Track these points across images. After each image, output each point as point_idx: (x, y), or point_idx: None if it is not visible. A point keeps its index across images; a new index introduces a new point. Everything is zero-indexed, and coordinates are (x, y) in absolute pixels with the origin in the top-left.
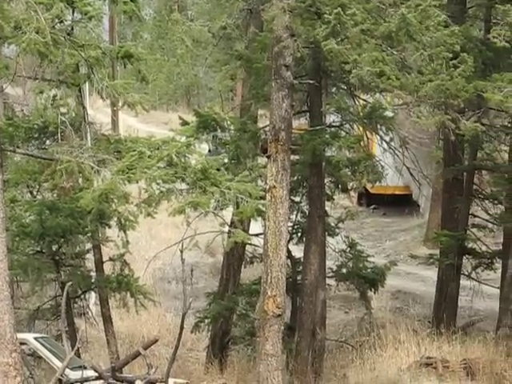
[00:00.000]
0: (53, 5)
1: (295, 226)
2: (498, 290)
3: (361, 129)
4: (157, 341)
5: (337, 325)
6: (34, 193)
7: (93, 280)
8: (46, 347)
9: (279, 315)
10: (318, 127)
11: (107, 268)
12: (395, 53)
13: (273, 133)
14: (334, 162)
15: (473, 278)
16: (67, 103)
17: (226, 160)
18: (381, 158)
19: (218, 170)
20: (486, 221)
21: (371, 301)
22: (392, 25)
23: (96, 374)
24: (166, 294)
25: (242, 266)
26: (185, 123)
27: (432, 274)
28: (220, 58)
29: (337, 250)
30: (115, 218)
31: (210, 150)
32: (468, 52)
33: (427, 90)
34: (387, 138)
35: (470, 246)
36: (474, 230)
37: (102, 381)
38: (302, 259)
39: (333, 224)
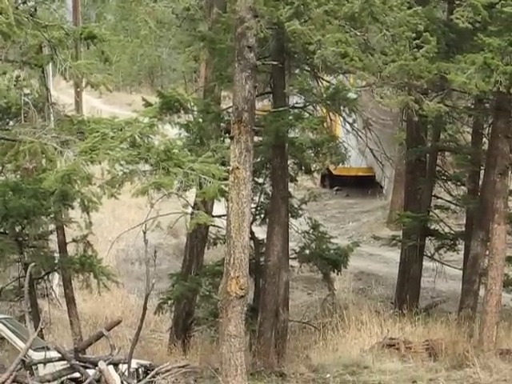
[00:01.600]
0: None
1: (258, 208)
2: (461, 272)
3: (324, 110)
4: (120, 322)
5: (300, 306)
6: None
7: (56, 261)
8: (9, 328)
9: (242, 296)
10: (281, 108)
11: (70, 249)
12: (358, 34)
13: (236, 114)
14: (297, 144)
15: (435, 260)
16: (30, 84)
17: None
18: (344, 140)
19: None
20: (449, 202)
21: (334, 282)
22: (355, 5)
23: (59, 355)
24: (129, 275)
25: (205, 248)
26: (148, 104)
27: (395, 255)
28: (183, 39)
29: (300, 232)
30: (78, 199)
31: None
32: (431, 33)
33: (390, 70)
34: (350, 120)
35: (432, 227)
36: (437, 211)
37: (64, 362)
38: (265, 240)
39: (296, 205)
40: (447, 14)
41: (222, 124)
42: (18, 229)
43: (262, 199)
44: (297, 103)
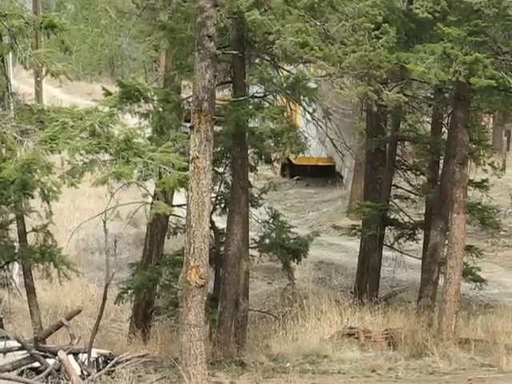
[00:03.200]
0: None
1: (218, 197)
2: (420, 261)
3: (284, 100)
4: (80, 311)
5: (260, 295)
6: None
7: (16, 250)
8: None
9: (202, 285)
10: (241, 98)
11: (30, 239)
12: (318, 24)
13: (196, 103)
14: (257, 133)
15: (395, 249)
16: None
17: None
18: (304, 129)
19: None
20: (409, 192)
21: (294, 271)
22: None
23: (19, 345)
24: (89, 264)
25: (166, 237)
26: (108, 94)
27: (355, 244)
28: (144, 28)
29: (260, 221)
30: (38, 189)
31: None
32: (391, 23)
33: (350, 60)
34: (310, 109)
35: (392, 216)
36: (397, 200)
37: (24, 351)
38: (225, 230)
39: (256, 195)
40: (407, 3)
41: (182, 113)
42: None
43: (222, 189)
44: (257, 93)
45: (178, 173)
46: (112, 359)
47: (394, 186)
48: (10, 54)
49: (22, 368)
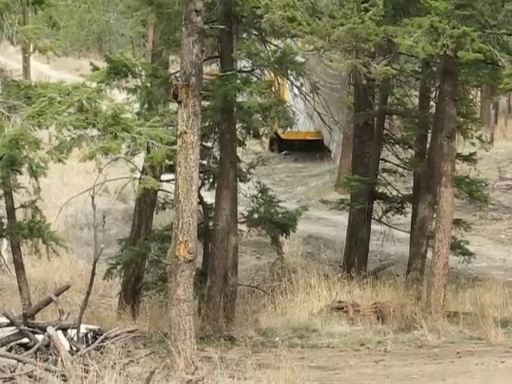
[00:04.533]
0: None
1: (207, 172)
2: (409, 234)
3: (272, 74)
4: (69, 287)
5: (248, 270)
6: None
7: (4, 227)
8: None
9: (190, 260)
10: (228, 73)
11: (19, 215)
12: None
13: (183, 78)
14: (245, 108)
15: (383, 223)
16: None
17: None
18: (292, 104)
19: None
20: (397, 165)
21: (283, 246)
22: None
23: (7, 321)
24: (78, 240)
25: (154, 212)
26: (96, 69)
27: (343, 218)
28: (131, 3)
29: (248, 196)
30: (26, 165)
31: None
32: None
33: (338, 34)
34: (298, 84)
35: (380, 190)
36: (385, 174)
37: (13, 327)
38: (213, 205)
39: (244, 170)
40: None
41: (170, 88)
42: None
43: (210, 163)
44: (244, 67)
45: (165, 147)
46: (101, 335)
47: (382, 159)
48: None
49: (11, 344)
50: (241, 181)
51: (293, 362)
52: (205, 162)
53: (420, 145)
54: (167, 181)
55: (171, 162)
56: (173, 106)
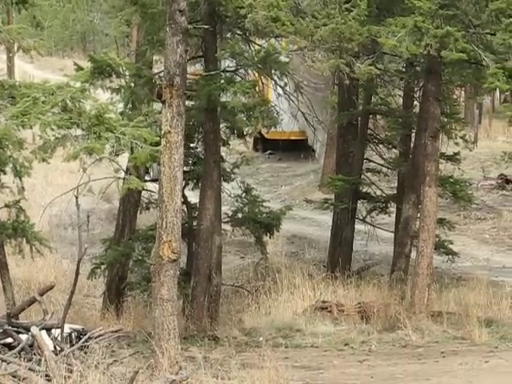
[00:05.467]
0: None
1: (191, 172)
2: (393, 234)
3: (256, 74)
4: (53, 287)
5: (233, 270)
6: None
7: None
8: None
9: (175, 260)
10: (212, 72)
11: (3, 214)
12: None
13: (167, 78)
14: (229, 108)
15: (367, 222)
16: None
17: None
18: (276, 104)
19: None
20: (381, 165)
21: (267, 246)
22: None
23: None
24: (62, 240)
25: (138, 212)
26: (80, 69)
27: (327, 218)
28: (115, 3)
29: (232, 196)
30: (10, 164)
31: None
32: None
33: (322, 33)
34: (282, 83)
35: (364, 190)
36: (369, 174)
37: None
38: (197, 205)
39: (228, 169)
40: None
41: (154, 88)
42: None
43: (194, 164)
44: (228, 67)
45: (149, 147)
46: (85, 334)
47: (366, 159)
48: None
49: None
50: (225, 180)
51: (277, 361)
52: (190, 161)
53: (404, 145)
54: (151, 180)
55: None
56: (157, 105)
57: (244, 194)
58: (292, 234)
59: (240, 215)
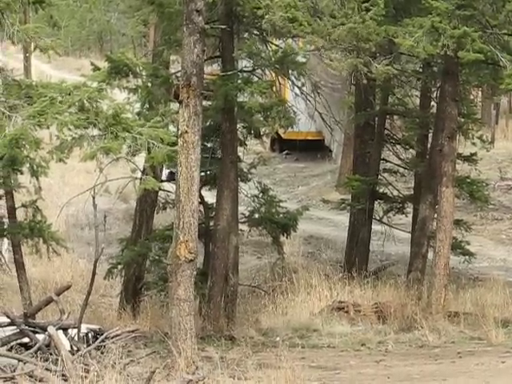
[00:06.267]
0: None
1: (208, 172)
2: (409, 235)
3: (273, 74)
4: (69, 287)
5: (249, 270)
6: None
7: (5, 226)
8: None
9: (191, 260)
10: (230, 72)
11: (19, 214)
12: None
13: (184, 78)
14: (246, 108)
15: (384, 223)
16: None
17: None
18: (293, 104)
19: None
20: (398, 165)
21: (283, 246)
22: None
23: (8, 320)
24: (79, 240)
25: (155, 212)
26: (97, 69)
27: (344, 218)
28: (132, 3)
29: (249, 196)
30: (27, 164)
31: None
32: None
33: (339, 33)
34: (299, 84)
35: (381, 190)
36: (386, 174)
37: (14, 327)
38: (214, 205)
39: (245, 169)
40: None
41: (170, 88)
42: None
43: (211, 164)
44: (245, 67)
45: (166, 147)
46: (102, 334)
47: (383, 159)
48: None
49: (12, 343)
50: (242, 181)
51: (293, 361)
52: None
53: (421, 145)
54: (168, 180)
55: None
56: (174, 105)
57: (261, 194)
58: (309, 234)
59: (257, 215)
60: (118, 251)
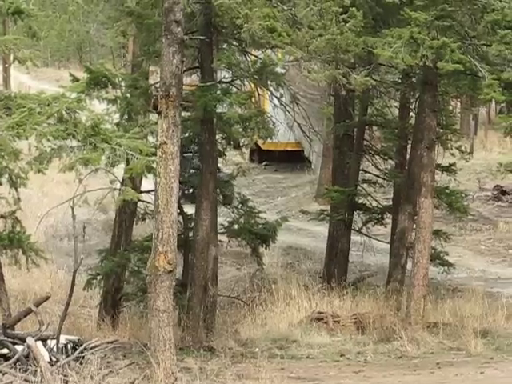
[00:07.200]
0: None
1: (187, 183)
2: (388, 245)
3: (252, 85)
4: (48, 298)
5: (229, 281)
6: None
7: None
8: None
9: (170, 271)
10: (209, 83)
11: None
12: (286, 8)
13: (163, 89)
14: (225, 119)
15: (363, 233)
16: None
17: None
18: (272, 115)
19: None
20: (377, 176)
21: (263, 257)
22: None
23: None
24: (58, 251)
25: (134, 223)
26: (76, 80)
27: (323, 229)
28: (111, 14)
29: (228, 207)
30: (6, 175)
31: None
32: (358, 7)
33: (318, 44)
34: (278, 94)
35: (360, 201)
36: (365, 185)
37: None
38: (193, 216)
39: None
40: None
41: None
42: None
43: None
44: (224, 78)
45: (145, 158)
46: (81, 345)
47: (362, 170)
48: None
49: None
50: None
51: (272, 372)
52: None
53: (400, 155)
54: (147, 191)
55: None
56: (153, 116)
57: (240, 204)
58: (288, 245)
59: (236, 226)
60: (97, 262)
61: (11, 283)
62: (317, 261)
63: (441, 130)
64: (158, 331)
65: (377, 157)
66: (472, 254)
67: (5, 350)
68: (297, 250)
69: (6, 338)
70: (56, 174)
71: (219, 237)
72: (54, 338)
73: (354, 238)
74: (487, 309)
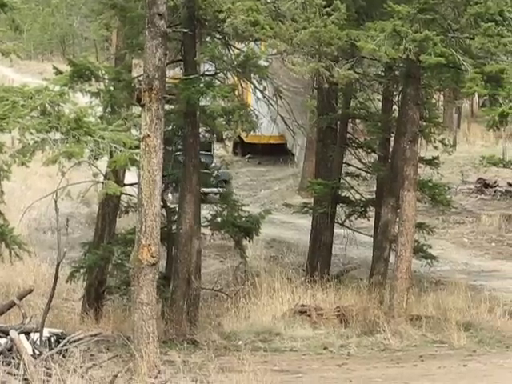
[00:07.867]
0: None
1: (170, 176)
2: (372, 238)
3: (235, 78)
4: (32, 291)
5: (212, 274)
6: None
7: None
8: None
9: (154, 264)
10: (192, 76)
11: None
12: (269, 1)
13: (146, 82)
14: (208, 112)
15: (346, 227)
16: None
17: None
18: (255, 107)
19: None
20: (360, 169)
21: (246, 250)
22: None
23: None
24: (41, 244)
25: (118, 216)
26: (59, 73)
27: (306, 222)
28: (95, 7)
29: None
30: None
31: None
32: (341, 0)
33: (301, 37)
34: (261, 87)
35: (343, 194)
36: (348, 178)
37: None
38: (177, 208)
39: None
40: None
41: (133, 92)
42: None
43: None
44: (208, 71)
45: (129, 151)
46: (64, 338)
47: (346, 163)
48: None
49: None
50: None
51: (256, 365)
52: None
53: (383, 149)
54: (130, 184)
55: None
56: (136, 109)
57: (223, 197)
58: (271, 238)
59: (219, 219)
60: (80, 255)
61: None
62: (300, 254)
63: (424, 123)
64: (141, 324)
65: (360, 150)
66: (455, 246)
67: None
68: (280, 243)
69: None
70: (39, 167)
71: (202, 230)
72: (37, 331)
73: (338, 230)
74: (470, 302)
